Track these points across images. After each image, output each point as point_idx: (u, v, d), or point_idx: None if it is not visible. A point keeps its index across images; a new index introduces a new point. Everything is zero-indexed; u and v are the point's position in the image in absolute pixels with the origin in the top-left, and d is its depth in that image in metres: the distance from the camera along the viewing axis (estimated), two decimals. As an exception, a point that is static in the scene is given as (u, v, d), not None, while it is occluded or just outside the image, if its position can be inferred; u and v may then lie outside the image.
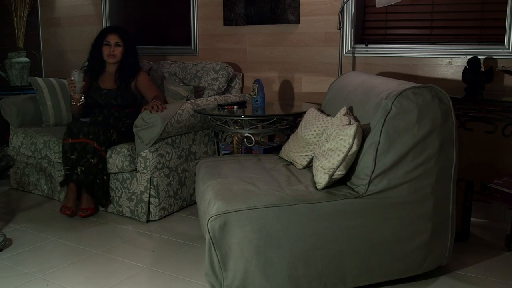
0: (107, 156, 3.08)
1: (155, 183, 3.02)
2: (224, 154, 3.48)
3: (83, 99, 3.27)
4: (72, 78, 3.19)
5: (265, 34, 3.70)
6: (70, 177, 3.08)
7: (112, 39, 3.35)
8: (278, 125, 2.90)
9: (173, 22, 4.17)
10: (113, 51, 3.34)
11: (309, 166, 2.52)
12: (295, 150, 2.57)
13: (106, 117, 3.36)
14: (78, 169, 3.04)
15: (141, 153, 3.00)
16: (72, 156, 3.06)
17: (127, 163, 3.02)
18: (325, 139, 2.17)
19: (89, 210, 3.11)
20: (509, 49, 2.83)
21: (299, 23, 3.53)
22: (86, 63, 3.55)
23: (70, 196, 3.12)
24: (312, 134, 2.48)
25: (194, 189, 3.32)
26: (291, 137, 2.71)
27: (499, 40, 2.91)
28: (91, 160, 3.03)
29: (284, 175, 2.37)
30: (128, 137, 3.22)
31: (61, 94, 3.77)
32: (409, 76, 3.17)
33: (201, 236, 2.79)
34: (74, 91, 3.24)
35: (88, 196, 3.12)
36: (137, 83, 3.40)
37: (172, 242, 2.75)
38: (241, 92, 3.81)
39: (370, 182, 2.04)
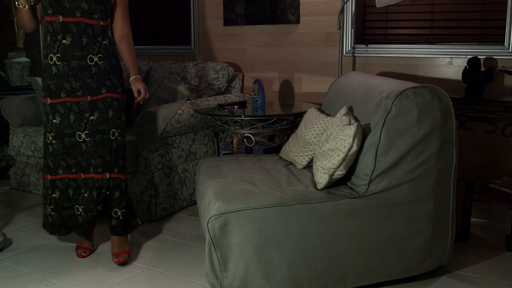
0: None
1: (155, 183, 3.02)
2: (224, 154, 3.48)
3: (31, 0, 2.28)
4: None
5: (265, 34, 3.70)
6: (65, 224, 2.47)
7: None
8: (278, 125, 2.90)
9: (173, 22, 4.17)
10: None
11: (309, 166, 2.52)
12: (295, 150, 2.57)
13: (77, 37, 2.29)
14: (80, 209, 2.44)
15: (141, 153, 2.99)
16: (54, 195, 2.42)
17: (128, 164, 3.02)
18: (325, 139, 2.17)
19: (126, 253, 2.46)
20: (509, 49, 2.83)
21: (299, 23, 3.53)
22: None
23: (83, 237, 2.59)
24: (312, 134, 2.48)
25: (194, 189, 3.32)
26: (291, 137, 2.71)
27: (499, 40, 2.91)
28: (100, 194, 2.40)
29: (284, 175, 2.37)
30: (112, 76, 2.38)
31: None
32: (409, 76, 3.17)
33: (201, 236, 2.80)
34: None
35: (116, 236, 2.46)
36: None
37: (172, 242, 2.75)
38: (241, 92, 3.81)
39: (370, 182, 2.04)
